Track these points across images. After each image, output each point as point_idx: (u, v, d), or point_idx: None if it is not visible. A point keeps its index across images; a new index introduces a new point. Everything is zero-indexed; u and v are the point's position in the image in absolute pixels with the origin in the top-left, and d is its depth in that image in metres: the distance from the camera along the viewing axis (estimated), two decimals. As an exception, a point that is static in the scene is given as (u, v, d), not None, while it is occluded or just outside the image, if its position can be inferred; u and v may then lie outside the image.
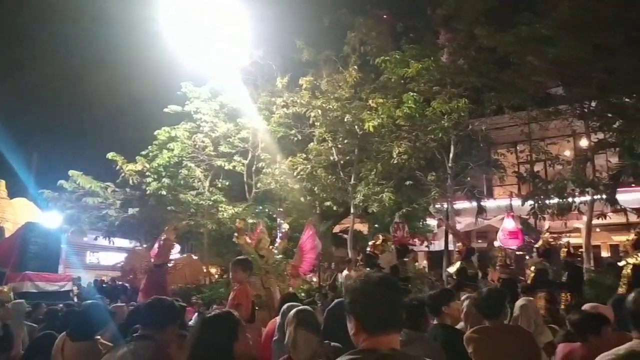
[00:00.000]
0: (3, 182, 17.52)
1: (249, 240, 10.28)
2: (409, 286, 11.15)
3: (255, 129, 17.21)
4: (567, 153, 16.21)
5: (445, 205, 16.28)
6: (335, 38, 17.05)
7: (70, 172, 17.90)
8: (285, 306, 3.95)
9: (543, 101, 14.16)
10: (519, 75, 13.02)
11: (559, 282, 10.12)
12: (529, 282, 9.94)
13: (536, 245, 11.07)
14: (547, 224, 13.40)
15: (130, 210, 18.58)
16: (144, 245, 19.24)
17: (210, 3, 14.91)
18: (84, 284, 18.87)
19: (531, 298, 5.66)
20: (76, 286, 16.18)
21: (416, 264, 14.73)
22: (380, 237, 12.51)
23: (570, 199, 13.08)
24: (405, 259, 11.78)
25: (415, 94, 14.10)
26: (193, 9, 14.55)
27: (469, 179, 16.07)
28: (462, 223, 17.53)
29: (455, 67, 14.47)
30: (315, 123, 15.95)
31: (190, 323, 6.31)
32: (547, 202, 13.46)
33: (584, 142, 14.98)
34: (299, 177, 16.15)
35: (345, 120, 15.03)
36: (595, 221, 13.29)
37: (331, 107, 15.13)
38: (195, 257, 20.34)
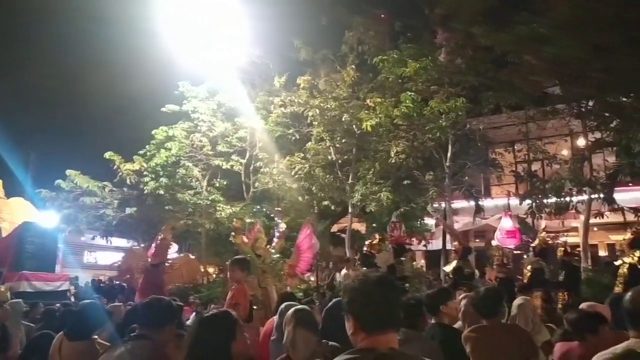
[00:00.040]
0: (0, 181, 17.47)
1: (245, 240, 10.27)
2: (407, 285, 11.16)
3: (252, 129, 17.21)
4: (565, 152, 16.24)
5: (443, 205, 16.28)
6: (333, 37, 17.06)
7: (68, 172, 17.90)
8: (283, 305, 3.95)
9: (541, 100, 14.17)
10: (517, 74, 13.03)
11: (556, 281, 10.14)
12: (525, 281, 9.95)
13: (532, 245, 11.08)
14: (543, 223, 13.42)
15: (128, 210, 18.58)
16: (142, 245, 19.23)
17: (208, 2, 14.91)
18: (81, 283, 18.86)
19: (528, 297, 5.67)
20: (73, 286, 16.16)
21: (414, 263, 14.76)
22: (377, 236, 12.52)
23: (567, 198, 13.11)
24: (402, 258, 11.79)
25: (413, 93, 14.10)
26: (190, 8, 14.55)
27: (466, 178, 16.07)
28: (460, 222, 17.54)
29: (453, 67, 14.48)
30: (313, 122, 15.95)
31: (188, 322, 6.31)
32: (544, 201, 13.48)
33: (581, 142, 15.00)
34: (296, 176, 16.15)
35: (343, 119, 15.03)
36: (592, 220, 13.32)
37: (329, 106, 15.12)
38: (192, 257, 20.32)
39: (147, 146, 17.87)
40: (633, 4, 10.40)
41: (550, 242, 11.90)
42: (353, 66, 15.92)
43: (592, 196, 12.86)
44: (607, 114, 12.78)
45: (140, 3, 14.56)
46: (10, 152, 18.06)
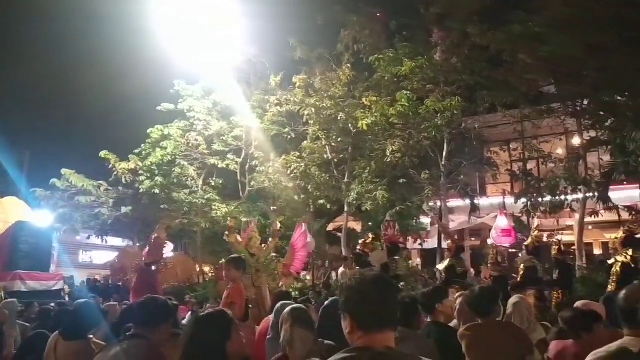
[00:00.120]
0: (-5, 180, 17.41)
1: (239, 239, 10.28)
2: (402, 284, 11.17)
3: (248, 127, 17.18)
4: (560, 151, 16.29)
5: (439, 204, 16.32)
6: (328, 36, 17.08)
7: (63, 171, 17.83)
8: (279, 304, 3.95)
9: (536, 99, 14.22)
10: (512, 73, 13.06)
11: (549, 279, 10.19)
12: (518, 279, 9.99)
13: (525, 243, 11.14)
14: (536, 222, 13.46)
15: (123, 209, 18.53)
16: (137, 244, 19.19)
17: (204, 1, 14.87)
18: (76, 282, 18.81)
19: (523, 295, 5.69)
20: (68, 285, 16.10)
21: (410, 262, 14.76)
22: (370, 235, 12.54)
23: (562, 197, 13.15)
24: (395, 257, 11.81)
25: (408, 92, 14.12)
26: (186, 7, 14.52)
27: (462, 177, 16.10)
28: (456, 221, 17.57)
29: (449, 66, 14.49)
30: (309, 121, 15.96)
31: (184, 322, 6.29)
32: (539, 200, 13.52)
33: (576, 140, 15.06)
34: (292, 175, 16.15)
35: (339, 118, 15.04)
36: (587, 219, 13.37)
37: (325, 105, 15.13)
38: (186, 256, 20.31)
39: (142, 145, 17.80)
40: (628, 3, 10.43)
41: (546, 240, 11.97)
42: (349, 65, 15.94)
43: (587, 195, 12.91)
44: (602, 113, 12.81)
45: (136, 2, 14.52)
46: (4, 151, 18.02)
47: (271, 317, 4.15)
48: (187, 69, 16.24)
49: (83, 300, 5.13)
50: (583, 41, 11.08)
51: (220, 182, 18.21)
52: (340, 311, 1.84)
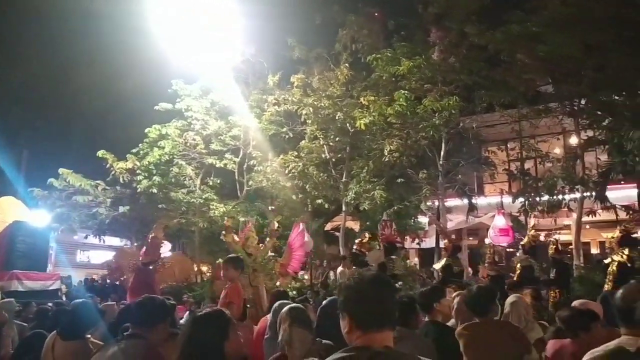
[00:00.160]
0: (-9, 180, 17.38)
1: (236, 239, 10.27)
2: (400, 283, 11.18)
3: (246, 127, 17.18)
4: (557, 151, 16.31)
5: (437, 203, 16.33)
6: (326, 36, 17.07)
7: (60, 170, 17.79)
8: (276, 304, 3.95)
9: (533, 99, 14.23)
10: (510, 73, 13.07)
11: (546, 278, 10.21)
12: (515, 278, 10.02)
13: (522, 243, 11.16)
14: (532, 221, 13.48)
15: (121, 209, 18.51)
16: (135, 244, 19.17)
17: (202, 0, 14.84)
18: (74, 282, 18.78)
19: (521, 295, 5.70)
20: (65, 285, 16.07)
21: (407, 261, 14.78)
22: (367, 235, 12.56)
23: (560, 196, 13.16)
24: (392, 257, 11.83)
25: (406, 91, 14.12)
26: (184, 6, 14.48)
27: (460, 176, 16.10)
28: (454, 221, 17.58)
29: (447, 65, 14.50)
30: (307, 121, 15.96)
31: (182, 321, 6.29)
32: (537, 199, 13.54)
33: (573, 140, 15.07)
34: (290, 174, 16.15)
35: (337, 118, 15.04)
36: (585, 218, 13.38)
37: (323, 104, 15.13)
38: (184, 255, 20.28)
39: (140, 145, 17.78)
40: (627, 3, 10.45)
41: (541, 240, 11.98)
42: (347, 64, 15.95)
43: (585, 194, 12.92)
44: (599, 112, 12.83)
45: (133, 2, 14.48)
46: (2, 150, 17.95)
47: (269, 316, 4.15)
48: (184, 68, 16.22)
49: (81, 300, 5.12)
50: (581, 41, 11.11)
51: (218, 181, 18.19)
52: (338, 311, 1.84)
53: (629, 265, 7.78)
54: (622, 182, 14.02)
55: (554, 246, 10.46)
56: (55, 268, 18.10)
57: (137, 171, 17.32)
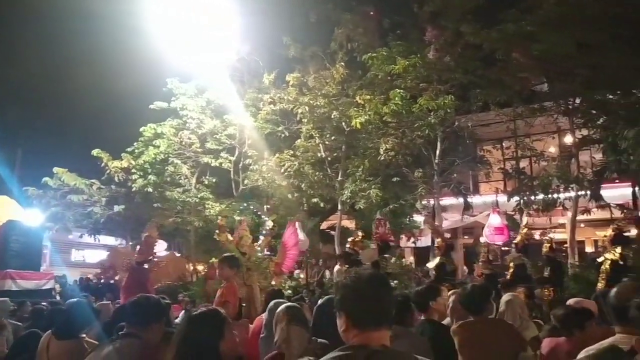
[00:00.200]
0: (-15, 179, 17.27)
1: (230, 238, 10.26)
2: (396, 282, 11.20)
3: (242, 126, 17.13)
4: (552, 149, 16.36)
5: (432, 202, 16.35)
6: (322, 34, 17.02)
7: (55, 169, 17.72)
8: (272, 303, 3.95)
9: (528, 98, 14.27)
10: (505, 72, 13.10)
11: (540, 277, 10.26)
12: (508, 277, 10.07)
13: (515, 241, 11.20)
14: (525, 220, 13.53)
15: (116, 208, 18.46)
16: (130, 243, 19.12)
17: (197, -1, 14.80)
18: (69, 281, 18.70)
19: (516, 293, 5.72)
20: (59, 284, 16.01)
21: (403, 260, 14.80)
22: (360, 233, 12.57)
23: (555, 195, 13.22)
24: (386, 255, 11.85)
25: (402, 90, 14.12)
26: (179, 5, 14.44)
27: (455, 175, 16.14)
28: (449, 219, 17.62)
29: (442, 64, 14.51)
30: (303, 120, 15.93)
31: (177, 320, 6.27)
32: (532, 198, 13.59)
33: (568, 139, 15.13)
34: (286, 173, 16.13)
35: (333, 116, 15.03)
36: (579, 217, 13.45)
37: (318, 103, 15.11)
38: (178, 255, 20.24)
39: (135, 143, 17.71)
40: (621, 2, 10.49)
41: (536, 238, 12.03)
42: (342, 63, 15.91)
43: (579, 193, 12.98)
44: (594, 111, 12.89)
45: (129, 1, 14.43)
46: (-4, 149, 17.88)
47: (264, 315, 4.14)
48: (180, 67, 16.15)
49: (75, 299, 5.10)
50: (576, 39, 11.15)
51: (214, 180, 18.14)
52: (335, 309, 1.84)
53: (621, 263, 7.85)
54: (617, 181, 14.09)
55: (549, 245, 10.51)
56: (50, 267, 18.04)
57: (132, 170, 17.26)
